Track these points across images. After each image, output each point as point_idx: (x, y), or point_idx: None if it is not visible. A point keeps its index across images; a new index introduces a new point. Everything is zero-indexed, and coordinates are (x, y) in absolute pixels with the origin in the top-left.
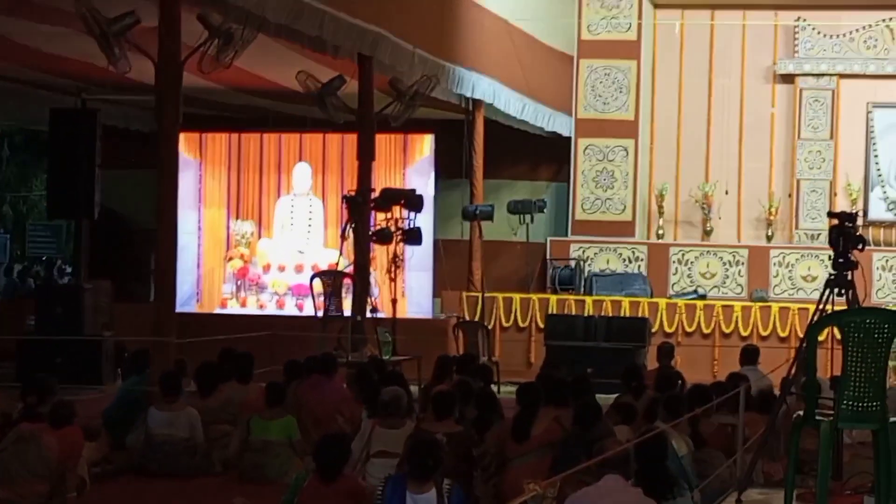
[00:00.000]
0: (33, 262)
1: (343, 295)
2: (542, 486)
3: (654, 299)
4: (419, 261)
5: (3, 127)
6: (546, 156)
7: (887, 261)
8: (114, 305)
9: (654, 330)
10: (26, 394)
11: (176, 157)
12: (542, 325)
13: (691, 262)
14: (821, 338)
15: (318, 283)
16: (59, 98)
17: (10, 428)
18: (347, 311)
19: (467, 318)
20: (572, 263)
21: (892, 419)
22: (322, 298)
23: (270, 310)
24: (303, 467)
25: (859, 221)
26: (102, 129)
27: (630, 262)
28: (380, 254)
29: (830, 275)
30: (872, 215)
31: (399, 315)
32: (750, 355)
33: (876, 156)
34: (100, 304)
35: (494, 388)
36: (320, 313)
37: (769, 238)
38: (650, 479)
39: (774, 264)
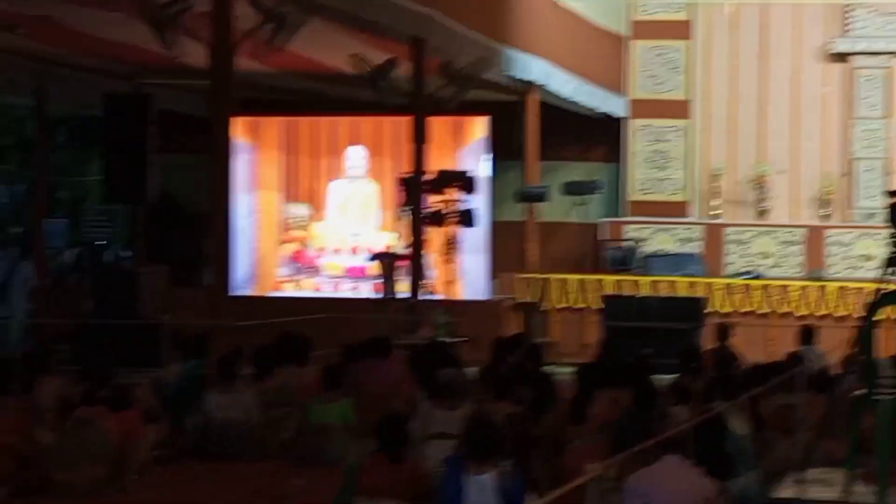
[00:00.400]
0: (90, 247)
1: (399, 277)
2: (602, 468)
3: (710, 280)
4: (475, 243)
5: (58, 113)
6: (600, 136)
7: None
8: (170, 289)
9: (709, 310)
10: (85, 378)
11: (229, 141)
12: (597, 307)
13: (747, 243)
14: (880, 317)
15: (373, 265)
16: (114, 83)
17: (70, 412)
18: (403, 294)
19: (523, 299)
20: (627, 244)
21: None
22: (378, 281)
23: (326, 292)
24: (360, 450)
25: None
26: (157, 114)
27: (685, 242)
28: (435, 236)
29: (892, 253)
30: None
31: (455, 297)
32: (807, 335)
33: None
34: (156, 287)
35: (550, 369)
36: (376, 295)
37: (825, 217)
38: (709, 459)
39: (830, 244)
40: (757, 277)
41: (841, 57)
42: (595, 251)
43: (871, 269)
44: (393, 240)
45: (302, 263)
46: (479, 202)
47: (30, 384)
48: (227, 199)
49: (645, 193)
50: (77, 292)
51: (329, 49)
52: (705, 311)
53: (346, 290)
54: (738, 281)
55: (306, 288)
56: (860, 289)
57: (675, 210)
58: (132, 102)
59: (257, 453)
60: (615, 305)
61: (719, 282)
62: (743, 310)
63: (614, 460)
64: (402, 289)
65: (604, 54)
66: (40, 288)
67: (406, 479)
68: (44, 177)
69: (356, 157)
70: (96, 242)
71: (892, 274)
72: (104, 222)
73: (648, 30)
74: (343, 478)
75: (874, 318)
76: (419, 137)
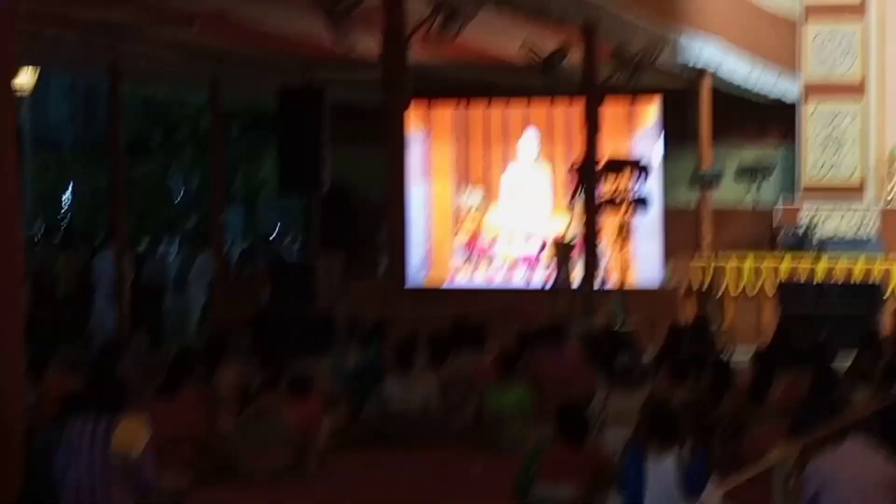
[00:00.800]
0: (265, 238)
1: (572, 265)
2: (783, 452)
3: (887, 264)
4: (648, 228)
5: (232, 107)
6: (772, 120)
7: None
8: (345, 279)
9: (886, 296)
10: (264, 367)
11: (403, 131)
12: (772, 292)
13: None
14: None
15: (547, 253)
16: (287, 77)
17: (249, 401)
18: (577, 281)
19: (697, 285)
20: (802, 228)
21: None
22: (551, 268)
23: (500, 281)
24: (538, 436)
25: None
26: (330, 106)
27: (861, 226)
28: (608, 222)
29: None
30: None
31: (628, 283)
32: None
33: None
34: (332, 277)
35: (725, 355)
36: (550, 283)
37: None
38: (892, 443)
39: None
40: None
41: None
42: (769, 236)
43: None
44: (566, 227)
45: (475, 251)
46: (651, 188)
47: (210, 373)
48: (402, 189)
49: (819, 177)
50: (254, 283)
51: (500, 38)
52: (884, 297)
53: (520, 278)
54: None
55: (480, 276)
56: None
57: (849, 193)
58: (305, 95)
59: (435, 440)
60: (791, 292)
61: None
62: None
63: (795, 444)
64: (576, 276)
65: (776, 38)
66: (218, 279)
67: (586, 464)
68: (219, 170)
69: (529, 144)
70: (271, 234)
71: None
72: (279, 214)
73: (821, 12)
74: (523, 464)
75: None
76: (591, 124)
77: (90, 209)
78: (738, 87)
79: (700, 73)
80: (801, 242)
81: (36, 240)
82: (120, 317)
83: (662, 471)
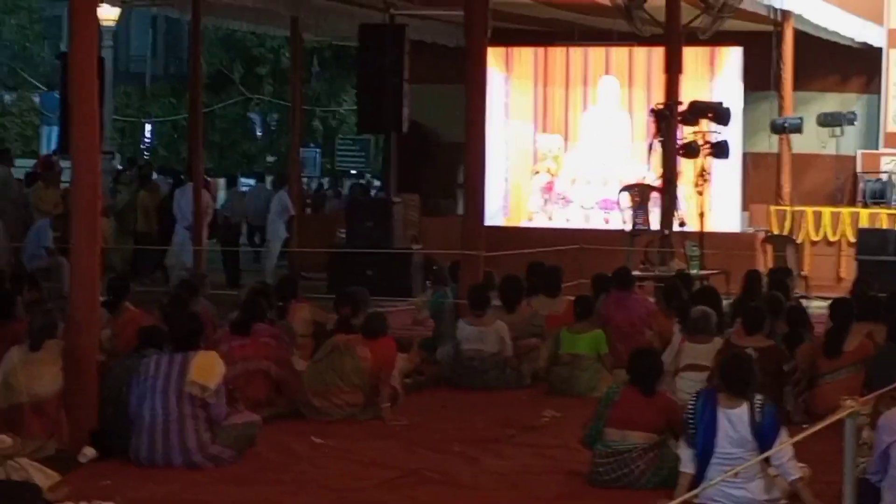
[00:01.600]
0: (342, 176)
1: (650, 209)
2: (858, 403)
3: None
4: (727, 174)
5: (312, 43)
6: (856, 67)
7: None
8: (422, 219)
9: None
10: (340, 306)
11: (484, 71)
12: (852, 240)
13: None
14: None
15: (625, 196)
16: (368, 14)
17: (324, 338)
18: (654, 225)
19: (775, 232)
20: (884, 177)
21: None
22: (629, 212)
23: (577, 223)
24: (612, 381)
25: None
26: (410, 44)
27: None
28: (687, 167)
29: None
30: None
31: (706, 229)
32: None
33: None
34: (409, 217)
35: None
36: (628, 227)
37: None
38: None
39: None
40: None
41: None
42: (851, 184)
43: None
44: (645, 171)
45: (553, 194)
46: (731, 133)
47: (284, 310)
48: (481, 129)
49: None
50: (331, 221)
51: None
52: None
53: (597, 222)
54: None
55: (557, 219)
56: None
57: None
58: (386, 33)
59: (508, 384)
60: (870, 239)
61: None
62: None
63: (871, 396)
64: (654, 221)
65: None
66: (296, 216)
67: (658, 411)
68: (298, 107)
69: (608, 87)
70: (349, 172)
71: None
72: (357, 152)
73: None
74: (595, 409)
75: None
76: (672, 68)
77: (170, 143)
78: (824, 31)
79: (784, 15)
80: (882, 192)
81: (117, 173)
82: (198, 252)
83: (734, 420)
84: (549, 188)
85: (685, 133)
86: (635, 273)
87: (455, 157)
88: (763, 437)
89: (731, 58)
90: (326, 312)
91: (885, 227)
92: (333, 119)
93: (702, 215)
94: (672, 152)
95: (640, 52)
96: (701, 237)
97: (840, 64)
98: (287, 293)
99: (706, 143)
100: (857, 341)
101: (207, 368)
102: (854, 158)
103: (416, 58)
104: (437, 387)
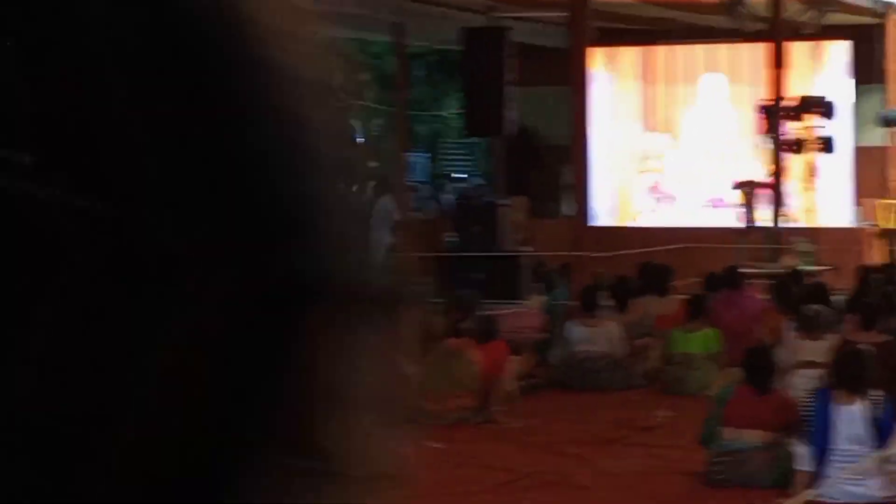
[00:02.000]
0: (449, 180)
1: (759, 206)
2: None
3: None
4: (836, 169)
5: (416, 48)
6: None
7: None
8: (529, 221)
9: None
10: (450, 310)
11: (587, 72)
12: None
13: None
14: None
15: (733, 194)
16: (469, 17)
17: (434, 343)
18: (763, 222)
19: (887, 226)
20: None
21: None
22: (738, 210)
23: (685, 222)
24: (724, 380)
25: None
26: (516, 47)
27: None
28: (795, 163)
29: None
30: None
31: (817, 225)
32: None
33: None
34: (517, 220)
35: None
36: (739, 224)
37: None
38: None
39: None
40: None
41: None
42: None
43: None
44: (753, 168)
45: (661, 193)
46: (839, 128)
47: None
48: (587, 130)
49: None
50: (438, 225)
51: None
52: None
53: (706, 220)
54: None
55: (665, 218)
56: None
57: None
58: (489, 36)
59: (620, 384)
60: None
61: None
62: None
63: None
64: (763, 217)
65: None
66: (402, 221)
67: (773, 409)
68: (402, 111)
69: (714, 84)
70: (455, 175)
71: None
72: (463, 155)
73: None
74: (709, 408)
75: None
76: (778, 63)
77: None
78: None
79: (889, 8)
80: None
81: None
82: None
83: (850, 417)
84: (656, 187)
85: (792, 128)
86: (746, 270)
87: (562, 159)
88: (879, 432)
89: (838, 51)
90: (434, 316)
91: None
92: (438, 123)
93: (810, 211)
94: (779, 148)
95: (745, 48)
96: (811, 233)
97: None
98: (396, 297)
99: (814, 138)
100: None
101: None
102: None
103: (521, 60)
104: (550, 389)
